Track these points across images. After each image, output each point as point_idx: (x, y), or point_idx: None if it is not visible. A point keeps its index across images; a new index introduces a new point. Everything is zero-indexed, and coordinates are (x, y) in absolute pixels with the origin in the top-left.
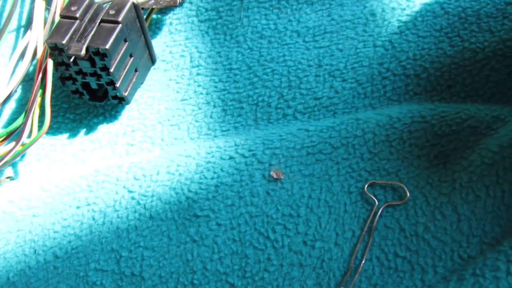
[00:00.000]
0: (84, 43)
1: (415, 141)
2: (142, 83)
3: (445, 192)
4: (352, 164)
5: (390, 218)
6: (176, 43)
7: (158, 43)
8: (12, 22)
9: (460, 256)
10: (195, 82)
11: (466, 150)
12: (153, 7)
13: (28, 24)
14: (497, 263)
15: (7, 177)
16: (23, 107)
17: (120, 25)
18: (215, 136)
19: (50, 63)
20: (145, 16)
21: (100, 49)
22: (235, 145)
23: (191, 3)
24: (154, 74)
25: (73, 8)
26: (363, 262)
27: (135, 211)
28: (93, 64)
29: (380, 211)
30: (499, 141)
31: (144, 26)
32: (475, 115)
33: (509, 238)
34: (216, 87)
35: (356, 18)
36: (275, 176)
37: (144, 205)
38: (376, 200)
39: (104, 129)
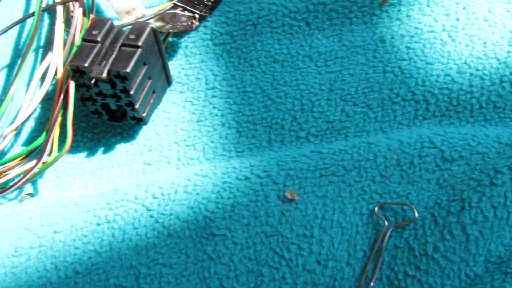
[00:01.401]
0: (105, 66)
1: (425, 165)
2: (158, 104)
3: (453, 212)
4: (364, 186)
5: (399, 238)
6: (191, 65)
7: (174, 66)
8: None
9: (467, 275)
10: (210, 104)
11: (474, 172)
12: (170, 31)
13: (46, 45)
14: (504, 284)
15: (27, 194)
16: (42, 125)
17: (140, 49)
18: (230, 157)
19: (72, 84)
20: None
21: (121, 73)
22: (250, 166)
23: (206, 27)
24: (170, 96)
25: (94, 32)
26: (373, 281)
27: (154, 229)
28: (113, 86)
29: (389, 231)
30: (508, 162)
31: (162, 49)
32: (483, 142)
33: None
34: (230, 109)
35: (366, 44)
36: (289, 197)
37: (163, 223)
38: (385, 221)
39: (121, 148)
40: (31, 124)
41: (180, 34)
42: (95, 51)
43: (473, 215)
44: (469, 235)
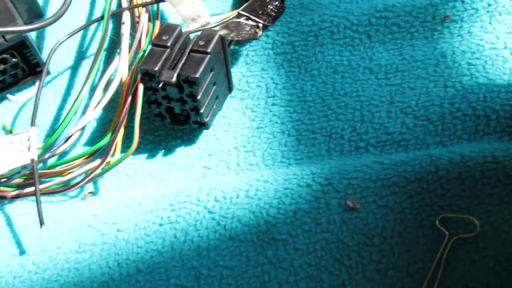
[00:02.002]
0: (175, 71)
1: (487, 180)
2: (220, 110)
3: None
4: (425, 198)
5: (460, 250)
6: (252, 73)
7: (235, 73)
8: (96, 46)
9: None
10: (271, 111)
11: None
12: (234, 39)
13: (109, 48)
14: None
15: (90, 192)
16: (104, 126)
17: (209, 55)
18: (290, 164)
19: (141, 87)
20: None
21: (190, 77)
22: (312, 173)
23: (267, 36)
24: (231, 102)
25: (164, 38)
26: None
27: (215, 231)
28: (181, 90)
29: (451, 243)
30: None
31: (227, 57)
32: None
33: None
34: (290, 117)
35: (427, 58)
36: (351, 205)
37: (224, 226)
38: (447, 233)
39: (182, 152)
40: (92, 125)
41: (241, 42)
42: (164, 56)
43: None
44: None
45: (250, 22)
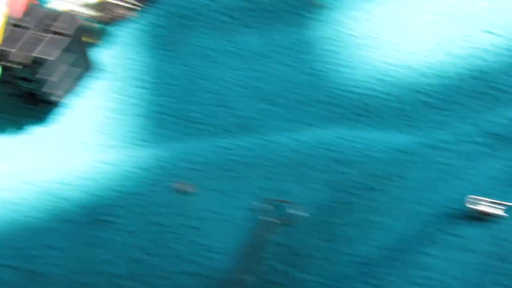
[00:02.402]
0: (31, 52)
1: (316, 166)
2: (80, 91)
3: (336, 213)
4: (256, 183)
5: (282, 235)
6: (121, 55)
7: (103, 54)
8: None
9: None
10: (135, 94)
11: (363, 175)
12: (105, 20)
13: None
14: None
15: None
16: None
17: (68, 38)
18: (144, 146)
19: None
20: (96, 27)
21: (45, 59)
22: (154, 156)
23: (140, 18)
24: (94, 84)
25: (27, 18)
26: (251, 275)
27: (50, 213)
28: (36, 71)
29: (273, 228)
30: (395, 169)
31: (90, 39)
32: (376, 146)
33: None
34: (153, 100)
35: (293, 45)
36: (184, 189)
37: (60, 207)
38: (271, 218)
39: (37, 132)
40: None
41: (113, 23)
42: (24, 37)
43: (354, 217)
44: (350, 236)
45: (122, 3)
